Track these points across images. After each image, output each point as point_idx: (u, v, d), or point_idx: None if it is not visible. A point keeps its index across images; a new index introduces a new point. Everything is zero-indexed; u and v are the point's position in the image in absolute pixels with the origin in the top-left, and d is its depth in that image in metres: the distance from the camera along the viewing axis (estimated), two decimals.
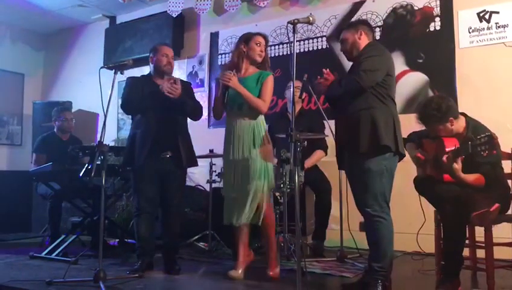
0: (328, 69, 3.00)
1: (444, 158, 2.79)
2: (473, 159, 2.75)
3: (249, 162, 3.15)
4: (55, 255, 3.95)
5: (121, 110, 6.46)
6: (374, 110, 2.75)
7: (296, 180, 2.48)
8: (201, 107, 3.73)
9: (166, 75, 3.55)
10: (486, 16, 4.30)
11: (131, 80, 3.63)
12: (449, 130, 2.93)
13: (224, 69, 3.36)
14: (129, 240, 4.49)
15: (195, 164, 3.68)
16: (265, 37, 3.35)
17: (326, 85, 2.91)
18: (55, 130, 5.05)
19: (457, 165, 2.77)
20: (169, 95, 3.34)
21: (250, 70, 3.32)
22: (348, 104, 2.81)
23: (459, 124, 2.96)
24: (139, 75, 3.73)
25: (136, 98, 3.49)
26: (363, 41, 2.93)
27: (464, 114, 3.01)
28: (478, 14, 4.33)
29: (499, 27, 4.23)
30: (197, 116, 3.69)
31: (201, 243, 4.42)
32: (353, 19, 4.71)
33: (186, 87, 3.68)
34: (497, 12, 4.24)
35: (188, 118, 3.67)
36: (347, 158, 2.87)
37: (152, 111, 3.44)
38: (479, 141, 2.59)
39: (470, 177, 2.82)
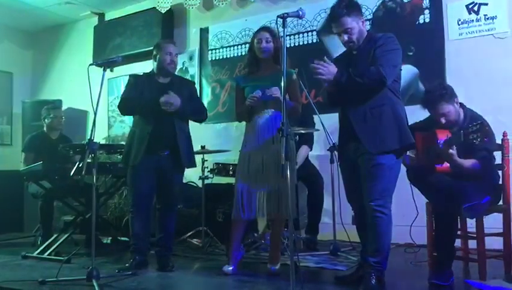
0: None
1: (440, 144, 2.82)
2: (471, 145, 2.77)
3: (273, 157, 3.10)
4: (48, 255, 3.92)
5: (111, 108, 6.45)
6: (394, 106, 2.73)
7: (288, 175, 2.48)
8: (203, 110, 3.73)
9: (169, 74, 3.54)
10: (475, 8, 4.31)
11: (132, 80, 3.61)
12: (456, 113, 2.97)
13: (243, 69, 3.34)
14: (122, 238, 4.48)
15: (194, 165, 3.66)
16: (268, 29, 3.29)
17: (324, 73, 2.71)
18: (44, 129, 5.01)
19: (453, 151, 2.78)
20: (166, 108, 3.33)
21: (270, 68, 3.27)
22: (365, 97, 2.73)
23: (460, 112, 2.99)
24: (141, 73, 3.73)
25: (132, 102, 3.48)
26: (364, 28, 2.87)
27: (461, 104, 3.04)
28: (467, 6, 4.34)
29: (487, 19, 4.25)
30: (199, 119, 3.72)
31: (195, 240, 4.42)
32: None
33: (190, 87, 3.68)
34: (486, 4, 4.25)
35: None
36: (357, 151, 2.78)
37: (151, 110, 3.42)
38: (470, 129, 2.62)
39: (467, 163, 2.84)
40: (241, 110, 3.34)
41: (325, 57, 2.75)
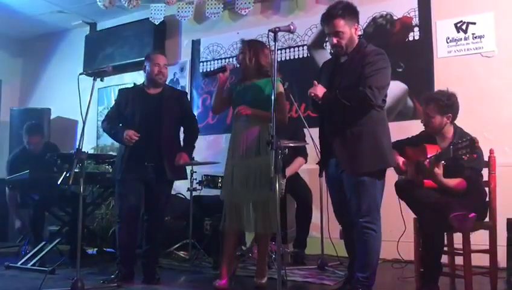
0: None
1: (427, 162, 2.83)
2: (456, 163, 2.78)
3: (256, 170, 3.09)
4: (32, 265, 3.86)
5: (100, 118, 6.41)
6: (375, 127, 2.69)
7: (277, 188, 2.47)
8: (197, 131, 3.74)
9: (159, 85, 3.54)
10: (464, 27, 4.39)
11: (118, 98, 3.62)
12: (439, 124, 2.99)
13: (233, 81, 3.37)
14: (108, 249, 4.42)
15: (183, 178, 3.65)
16: (242, 42, 3.33)
17: (317, 96, 2.71)
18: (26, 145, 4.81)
19: (439, 170, 2.79)
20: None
21: (254, 79, 3.27)
22: (349, 117, 2.68)
23: (449, 129, 3.02)
24: (132, 84, 3.73)
25: (107, 130, 3.54)
26: (356, 36, 2.78)
27: (453, 123, 3.07)
28: (455, 24, 4.42)
29: (475, 37, 4.32)
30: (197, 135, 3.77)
31: (182, 252, 4.38)
32: None
33: (182, 99, 3.70)
34: (474, 23, 4.33)
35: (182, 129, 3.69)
36: (338, 166, 2.77)
37: (138, 122, 3.41)
38: (460, 144, 2.63)
39: (452, 182, 2.85)
40: (217, 100, 3.39)
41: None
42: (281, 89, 3.23)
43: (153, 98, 3.51)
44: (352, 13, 2.74)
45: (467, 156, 2.60)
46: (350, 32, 2.73)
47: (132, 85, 3.76)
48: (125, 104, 3.51)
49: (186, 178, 3.75)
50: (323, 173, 3.06)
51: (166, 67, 3.60)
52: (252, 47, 3.26)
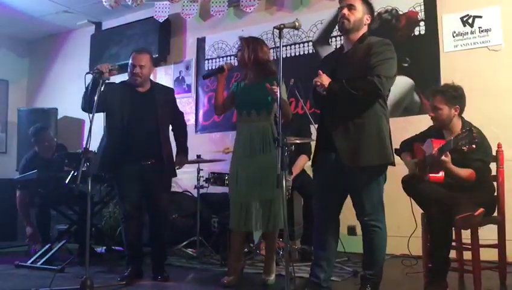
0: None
1: (434, 152, 2.81)
2: (464, 157, 2.77)
3: (258, 167, 3.10)
4: (41, 264, 3.89)
5: None
6: (379, 121, 2.64)
7: (284, 185, 2.47)
8: (185, 124, 3.82)
9: (136, 85, 3.48)
10: (470, 21, 4.35)
11: (106, 88, 3.35)
12: (447, 116, 2.96)
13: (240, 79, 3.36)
14: (116, 248, 4.45)
15: (174, 175, 3.64)
16: (240, 39, 3.32)
17: (323, 85, 2.65)
18: (36, 149, 4.78)
19: (446, 157, 2.77)
20: None
21: (256, 78, 3.26)
22: (352, 108, 2.63)
23: (457, 122, 3.00)
24: (117, 82, 3.67)
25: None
26: (366, 26, 2.76)
27: (461, 117, 3.06)
28: (462, 18, 4.39)
29: (482, 31, 4.29)
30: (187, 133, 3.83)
31: (189, 249, 4.39)
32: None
33: (170, 96, 3.68)
34: (480, 17, 4.30)
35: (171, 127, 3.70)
36: (337, 162, 2.70)
37: (130, 121, 3.39)
38: (460, 135, 2.63)
39: (462, 171, 2.83)
40: (218, 101, 3.39)
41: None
42: (284, 93, 3.22)
43: (143, 95, 3.49)
44: (368, 4, 2.77)
45: (466, 147, 2.59)
46: (362, 14, 2.72)
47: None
48: (113, 99, 3.40)
49: (176, 175, 3.69)
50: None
51: (144, 66, 3.43)
52: (249, 44, 3.24)
